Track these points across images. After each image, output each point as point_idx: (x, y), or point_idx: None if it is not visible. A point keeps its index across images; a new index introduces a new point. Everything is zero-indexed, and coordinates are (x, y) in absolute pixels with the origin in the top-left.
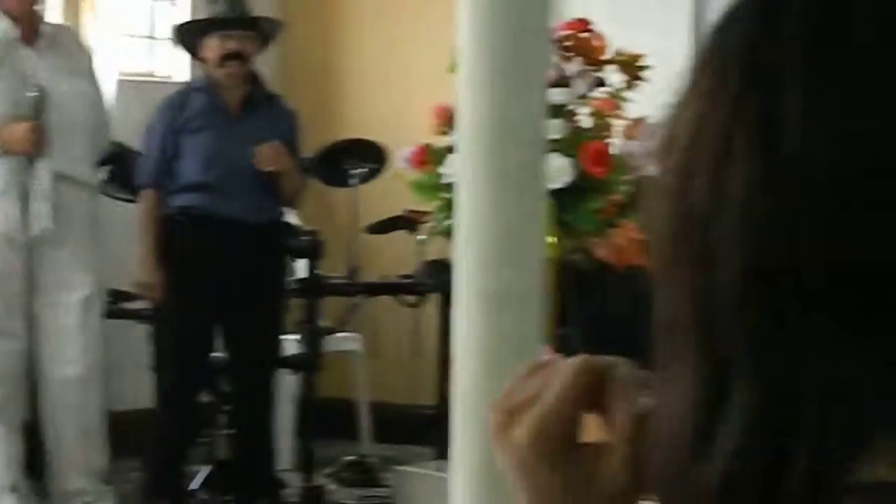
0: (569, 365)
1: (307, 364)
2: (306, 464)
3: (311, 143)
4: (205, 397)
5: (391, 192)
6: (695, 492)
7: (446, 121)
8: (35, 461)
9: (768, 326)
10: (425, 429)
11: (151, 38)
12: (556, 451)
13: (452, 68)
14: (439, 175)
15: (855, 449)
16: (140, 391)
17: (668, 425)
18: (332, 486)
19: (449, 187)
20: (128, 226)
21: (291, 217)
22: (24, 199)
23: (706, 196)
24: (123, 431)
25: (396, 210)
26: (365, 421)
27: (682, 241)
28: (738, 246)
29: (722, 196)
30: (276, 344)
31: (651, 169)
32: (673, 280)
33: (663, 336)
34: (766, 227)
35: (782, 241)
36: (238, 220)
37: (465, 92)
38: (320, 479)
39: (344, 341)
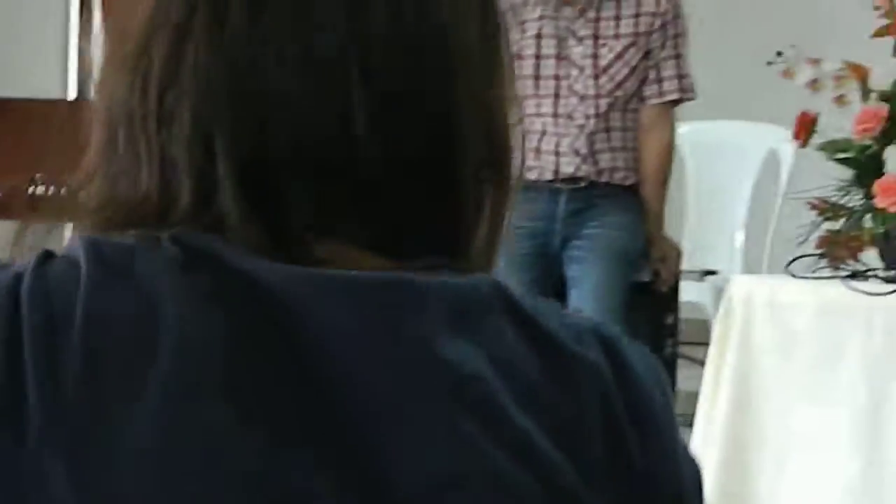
0: None
1: None
2: None
3: None
4: None
5: None
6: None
7: None
8: None
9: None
10: None
11: None
12: None
13: None
14: None
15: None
16: None
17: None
18: None
19: None
20: None
21: None
22: None
23: (165, 61)
24: None
25: None
26: None
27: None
28: (188, 103)
29: (180, 63)
30: None
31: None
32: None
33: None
34: (207, 93)
35: (215, 106)
36: None
37: None
38: None
39: None
